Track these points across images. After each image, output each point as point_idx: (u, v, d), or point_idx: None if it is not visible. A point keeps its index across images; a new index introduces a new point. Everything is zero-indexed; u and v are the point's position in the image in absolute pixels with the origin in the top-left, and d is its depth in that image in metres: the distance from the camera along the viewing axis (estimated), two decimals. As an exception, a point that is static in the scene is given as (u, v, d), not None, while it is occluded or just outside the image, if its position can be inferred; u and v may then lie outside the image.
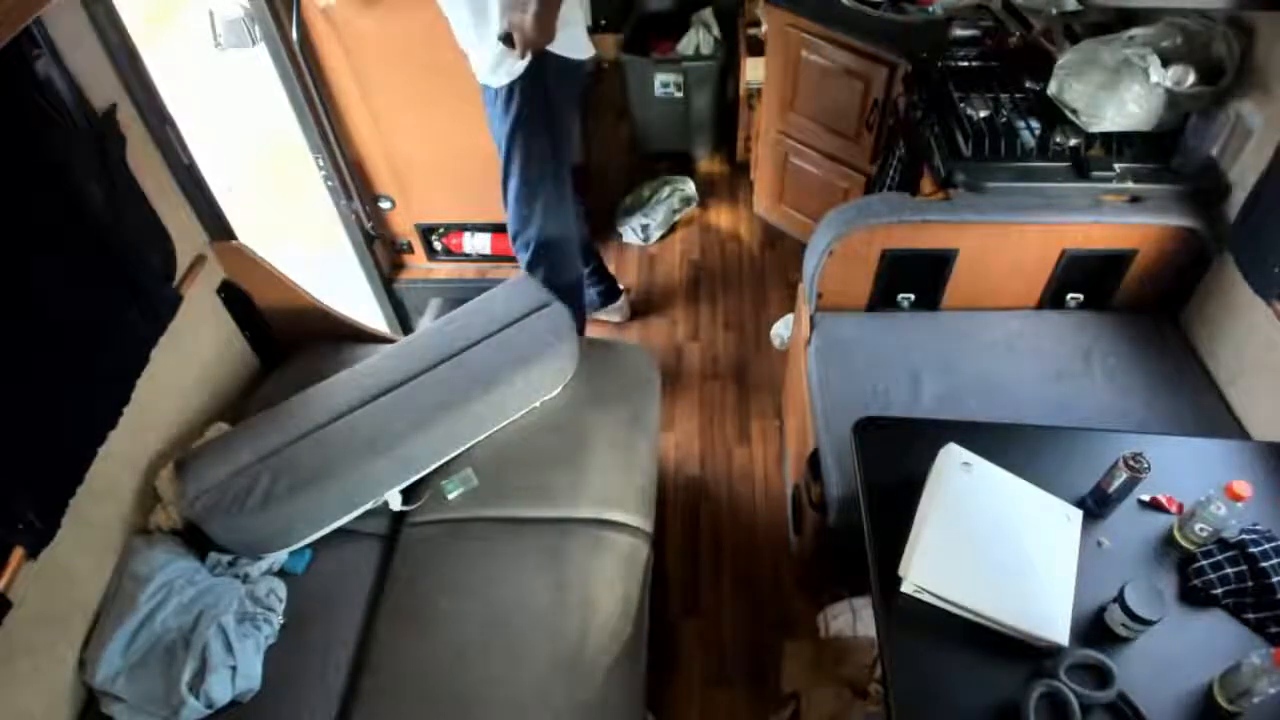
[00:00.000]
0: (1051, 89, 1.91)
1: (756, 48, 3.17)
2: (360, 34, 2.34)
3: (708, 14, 3.58)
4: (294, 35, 2.27)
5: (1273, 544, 1.24)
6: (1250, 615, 1.21)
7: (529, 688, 1.52)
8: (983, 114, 1.99)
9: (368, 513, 1.77)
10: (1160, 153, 1.87)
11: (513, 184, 2.17)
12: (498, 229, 3.13)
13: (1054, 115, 1.93)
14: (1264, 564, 1.22)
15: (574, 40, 1.97)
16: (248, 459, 1.64)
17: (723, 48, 3.49)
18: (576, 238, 2.41)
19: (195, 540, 1.67)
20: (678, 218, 3.49)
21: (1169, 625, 1.17)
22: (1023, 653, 1.17)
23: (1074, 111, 1.87)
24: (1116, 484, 1.29)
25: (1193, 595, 1.24)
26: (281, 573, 1.69)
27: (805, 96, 2.83)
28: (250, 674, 1.50)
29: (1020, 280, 2.02)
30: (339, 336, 2.21)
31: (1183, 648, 1.18)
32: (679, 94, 3.52)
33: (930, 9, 2.48)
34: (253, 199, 3.51)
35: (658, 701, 1.97)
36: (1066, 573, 1.24)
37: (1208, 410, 1.78)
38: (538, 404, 1.95)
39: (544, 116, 2.03)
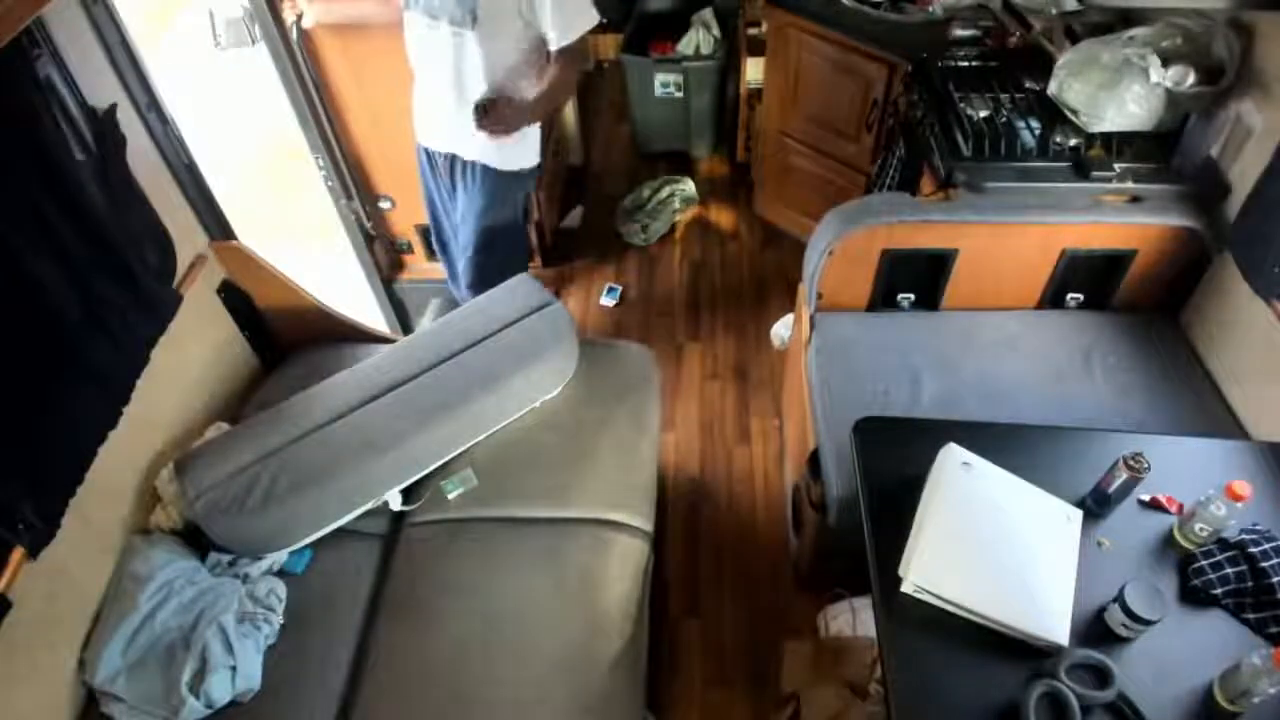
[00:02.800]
0: (1051, 89, 1.91)
1: (756, 48, 3.17)
2: (360, 33, 2.33)
3: (708, 14, 3.58)
4: (294, 35, 2.27)
5: (1273, 544, 1.24)
6: (1250, 615, 1.21)
7: (529, 688, 1.52)
8: (983, 114, 1.99)
9: (368, 513, 1.77)
10: (1160, 153, 1.87)
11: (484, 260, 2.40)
12: (498, 229, 3.13)
13: (1054, 115, 1.93)
14: (1264, 564, 1.22)
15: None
16: (248, 459, 1.64)
17: (723, 48, 3.49)
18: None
19: (195, 540, 1.67)
20: (678, 218, 3.49)
21: (1169, 625, 1.17)
22: (1023, 653, 1.17)
23: (1074, 111, 1.87)
24: (1116, 484, 1.29)
25: (1193, 595, 1.24)
26: (281, 573, 1.69)
27: (805, 96, 2.83)
28: (250, 674, 1.50)
29: (1020, 280, 2.02)
30: (339, 336, 2.21)
31: (1183, 648, 1.18)
32: (679, 94, 3.52)
33: (930, 9, 2.48)
34: (253, 199, 3.51)
35: (658, 701, 1.97)
36: (1066, 573, 1.24)
37: (1208, 410, 1.78)
38: (538, 404, 1.95)
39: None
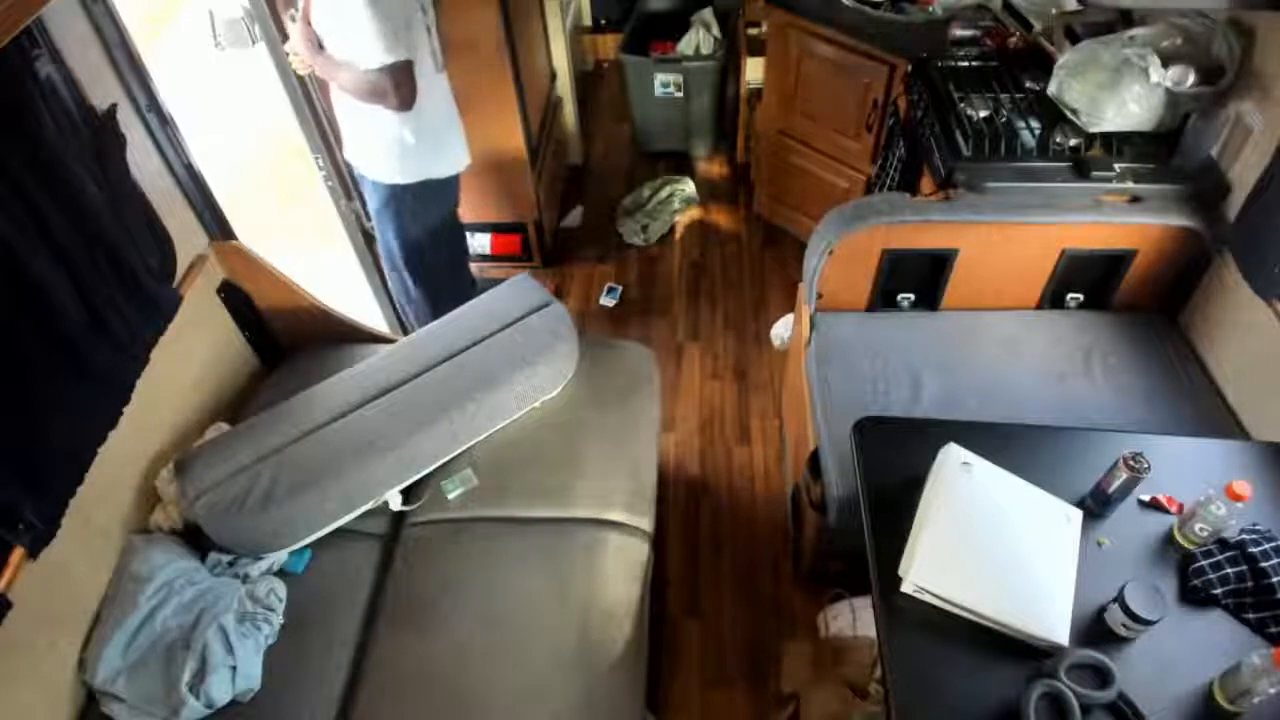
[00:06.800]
0: (1051, 89, 1.91)
1: (756, 48, 3.17)
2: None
3: (708, 14, 3.59)
4: (294, 35, 2.27)
5: (1273, 544, 1.24)
6: (1250, 615, 1.21)
7: (529, 688, 1.52)
8: (983, 114, 1.99)
9: (368, 513, 1.77)
10: (1160, 153, 1.88)
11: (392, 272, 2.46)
12: (497, 229, 3.14)
13: (1054, 115, 1.93)
14: (1264, 564, 1.22)
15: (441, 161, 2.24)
16: (248, 459, 1.64)
17: (723, 48, 3.49)
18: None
19: (195, 540, 1.67)
20: (678, 218, 3.49)
21: (1169, 625, 1.17)
22: (1023, 653, 1.17)
23: (1074, 111, 1.87)
24: (1116, 484, 1.29)
25: (1193, 595, 1.24)
26: (281, 573, 1.69)
27: (805, 97, 2.83)
28: (250, 674, 1.50)
29: (1020, 280, 2.02)
30: (339, 336, 2.21)
31: (1183, 648, 1.18)
32: (679, 94, 3.52)
33: (930, 9, 2.48)
34: (253, 199, 3.51)
35: (658, 701, 1.97)
36: (1066, 573, 1.23)
37: (1208, 410, 1.78)
38: (538, 404, 1.95)
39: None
